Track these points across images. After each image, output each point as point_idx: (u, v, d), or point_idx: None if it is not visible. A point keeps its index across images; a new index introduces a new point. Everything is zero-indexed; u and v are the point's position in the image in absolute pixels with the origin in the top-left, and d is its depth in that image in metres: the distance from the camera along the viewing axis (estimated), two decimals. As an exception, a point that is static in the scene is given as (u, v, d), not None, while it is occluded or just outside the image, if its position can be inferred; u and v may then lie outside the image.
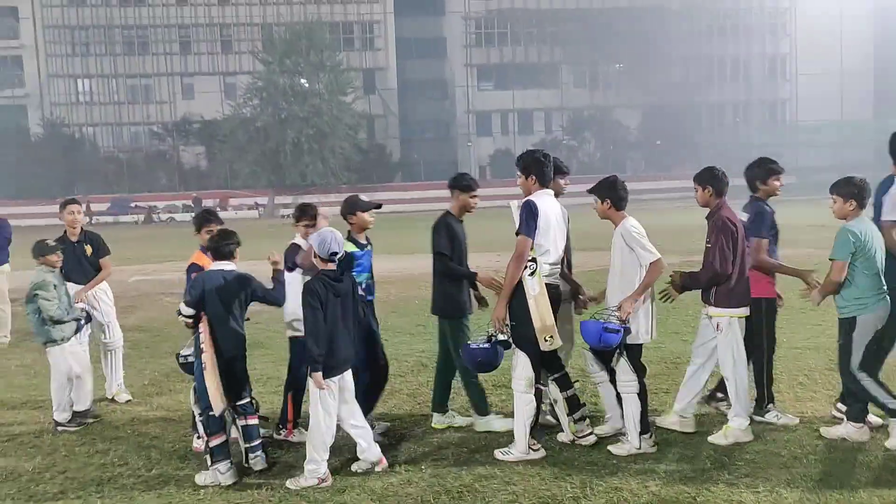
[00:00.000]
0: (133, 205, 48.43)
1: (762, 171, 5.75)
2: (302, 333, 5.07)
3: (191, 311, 4.96)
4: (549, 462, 5.00)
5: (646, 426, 5.10)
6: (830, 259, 5.12)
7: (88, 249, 6.97)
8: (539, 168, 5.20)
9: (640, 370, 5.18)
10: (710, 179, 5.33)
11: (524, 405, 5.07)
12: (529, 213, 5.00)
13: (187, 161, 53.14)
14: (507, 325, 5.05)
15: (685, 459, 4.97)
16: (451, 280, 5.66)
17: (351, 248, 5.42)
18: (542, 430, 5.44)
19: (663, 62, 56.30)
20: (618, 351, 5.11)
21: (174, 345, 5.07)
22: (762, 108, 60.73)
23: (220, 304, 4.97)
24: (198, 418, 5.02)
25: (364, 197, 5.80)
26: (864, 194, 5.14)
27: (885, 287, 5.08)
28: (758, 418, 5.55)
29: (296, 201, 51.44)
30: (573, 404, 5.29)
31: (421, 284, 11.47)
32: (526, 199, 5.12)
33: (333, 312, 4.81)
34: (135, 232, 36.68)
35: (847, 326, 5.12)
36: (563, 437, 5.35)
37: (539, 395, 5.18)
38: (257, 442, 5.08)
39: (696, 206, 5.62)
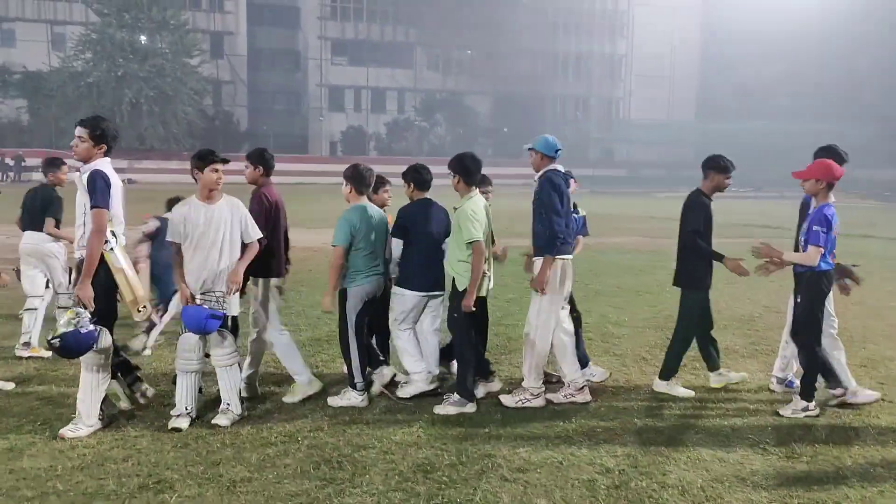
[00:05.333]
0: (-64, 159, 43.28)
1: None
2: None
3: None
4: (423, 433, 5.16)
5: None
6: (333, 245, 5.66)
7: None
8: (111, 136, 5.16)
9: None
10: (258, 159, 5.85)
11: (98, 377, 5.03)
12: (105, 184, 4.89)
13: (5, 115, 48.07)
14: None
15: (553, 426, 5.31)
16: (699, 256, 5.93)
17: None
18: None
19: (512, 52, 58.24)
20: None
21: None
22: (600, 103, 64.45)
23: None
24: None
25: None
26: (363, 181, 5.76)
27: (380, 265, 5.79)
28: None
29: (131, 166, 48.36)
30: (126, 370, 5.46)
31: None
32: (93, 168, 4.95)
33: None
34: (-59, 190, 32.73)
35: (342, 298, 5.72)
36: (124, 404, 5.41)
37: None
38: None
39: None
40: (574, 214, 6.06)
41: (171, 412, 5.22)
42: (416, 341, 5.95)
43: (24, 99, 47.16)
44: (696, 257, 5.99)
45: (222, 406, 5.30)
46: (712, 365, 6.31)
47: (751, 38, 58.03)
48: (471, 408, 5.62)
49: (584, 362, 6.37)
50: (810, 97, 55.91)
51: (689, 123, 62.04)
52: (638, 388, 6.33)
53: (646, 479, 4.44)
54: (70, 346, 4.78)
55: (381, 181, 6.24)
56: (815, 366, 5.66)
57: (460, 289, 5.63)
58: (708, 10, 64.15)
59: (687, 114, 63.81)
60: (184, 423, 5.11)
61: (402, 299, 5.87)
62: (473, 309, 5.60)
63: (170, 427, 5.06)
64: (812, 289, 5.58)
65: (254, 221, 5.44)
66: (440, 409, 5.59)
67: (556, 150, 5.74)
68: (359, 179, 5.74)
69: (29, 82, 46.20)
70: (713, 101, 62.76)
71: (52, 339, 4.78)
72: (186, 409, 5.21)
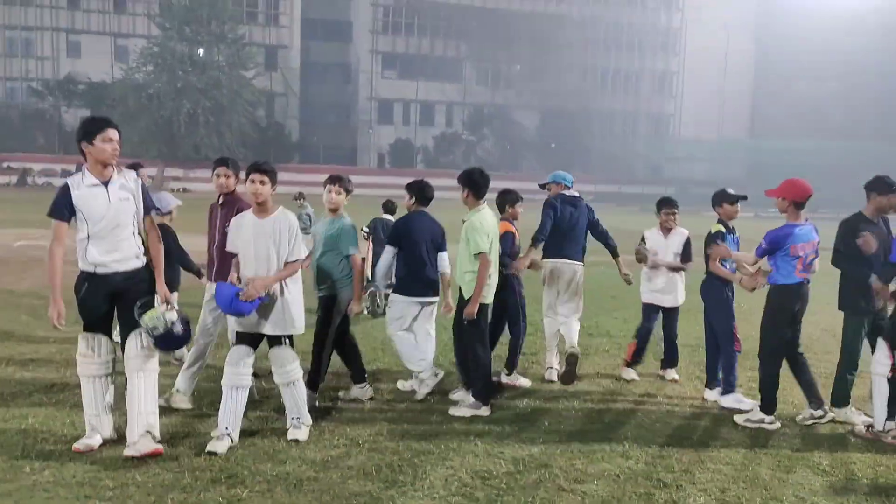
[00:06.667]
0: (5, 165, 45.13)
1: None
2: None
3: None
4: (480, 440, 5.26)
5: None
6: (350, 254, 5.88)
7: None
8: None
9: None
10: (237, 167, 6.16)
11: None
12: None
13: (69, 123, 49.72)
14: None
15: (608, 439, 5.36)
16: (846, 279, 5.88)
17: (719, 228, 6.35)
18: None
19: (561, 68, 58.22)
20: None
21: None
22: (649, 120, 63.91)
23: None
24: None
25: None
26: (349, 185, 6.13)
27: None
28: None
29: (186, 175, 49.44)
30: None
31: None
32: (135, 173, 5.01)
33: None
34: (8, 194, 34.23)
35: (327, 303, 5.90)
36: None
37: None
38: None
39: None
40: (730, 235, 6.38)
41: (212, 432, 4.99)
42: (415, 342, 6.24)
43: (87, 108, 48.83)
44: (844, 280, 5.90)
45: (293, 421, 5.16)
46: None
47: (805, 55, 57.02)
48: (485, 411, 5.81)
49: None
50: (867, 115, 54.59)
51: (740, 140, 61.15)
52: (693, 404, 6.35)
53: (704, 495, 4.46)
54: (171, 341, 4.86)
55: (517, 197, 6.88)
56: (775, 378, 5.79)
57: (466, 297, 5.89)
58: (761, 27, 63.26)
59: (739, 131, 62.93)
60: (221, 447, 4.77)
61: (395, 305, 6.27)
62: (475, 317, 5.84)
63: (206, 450, 4.75)
64: (775, 300, 5.72)
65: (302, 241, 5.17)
66: (455, 411, 5.81)
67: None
68: (349, 191, 6.14)
69: (93, 92, 47.97)
70: (767, 118, 61.74)
71: (158, 331, 4.73)
72: (227, 429, 4.89)
